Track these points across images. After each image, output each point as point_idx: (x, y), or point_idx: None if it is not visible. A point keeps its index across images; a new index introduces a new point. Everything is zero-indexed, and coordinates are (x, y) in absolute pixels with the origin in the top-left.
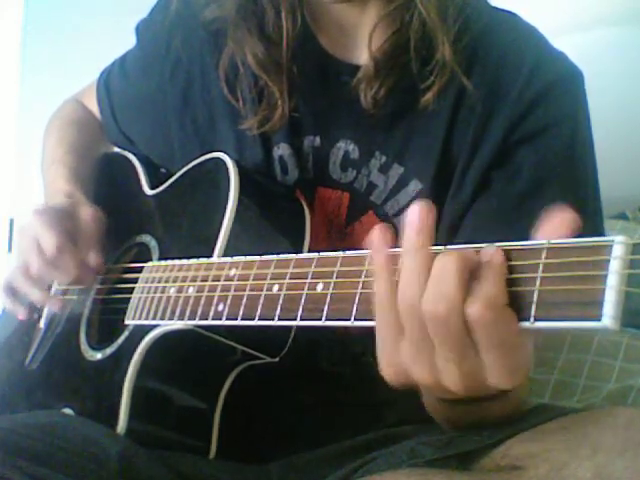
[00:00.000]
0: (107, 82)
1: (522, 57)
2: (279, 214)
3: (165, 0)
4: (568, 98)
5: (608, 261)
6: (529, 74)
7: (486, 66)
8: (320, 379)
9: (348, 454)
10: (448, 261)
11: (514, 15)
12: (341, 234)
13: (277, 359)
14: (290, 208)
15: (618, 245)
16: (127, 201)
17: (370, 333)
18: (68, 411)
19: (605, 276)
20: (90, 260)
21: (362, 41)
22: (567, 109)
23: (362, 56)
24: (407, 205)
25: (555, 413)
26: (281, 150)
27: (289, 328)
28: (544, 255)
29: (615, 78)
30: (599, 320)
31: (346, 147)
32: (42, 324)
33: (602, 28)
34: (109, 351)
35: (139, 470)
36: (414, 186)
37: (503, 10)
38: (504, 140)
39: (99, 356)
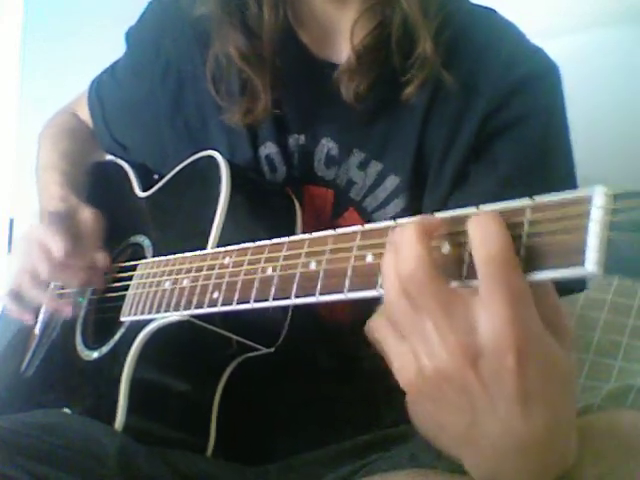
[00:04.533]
0: (98, 90)
1: (498, 51)
2: (271, 210)
3: (153, 6)
4: (543, 91)
5: (590, 211)
6: (504, 67)
7: (464, 60)
8: (317, 375)
9: (348, 455)
10: (406, 227)
11: (493, 11)
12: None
13: (272, 349)
14: (281, 204)
15: (599, 195)
16: (120, 204)
17: (363, 327)
18: (67, 412)
19: (587, 225)
20: (98, 260)
21: (343, 39)
22: (541, 101)
23: (342, 55)
24: (385, 201)
25: None
26: (268, 149)
27: (284, 316)
28: (528, 212)
29: (615, 78)
30: (583, 266)
31: (328, 145)
32: (37, 330)
33: (602, 28)
34: (105, 349)
35: (139, 467)
36: (392, 181)
37: (483, 7)
38: (479, 132)
39: (95, 355)
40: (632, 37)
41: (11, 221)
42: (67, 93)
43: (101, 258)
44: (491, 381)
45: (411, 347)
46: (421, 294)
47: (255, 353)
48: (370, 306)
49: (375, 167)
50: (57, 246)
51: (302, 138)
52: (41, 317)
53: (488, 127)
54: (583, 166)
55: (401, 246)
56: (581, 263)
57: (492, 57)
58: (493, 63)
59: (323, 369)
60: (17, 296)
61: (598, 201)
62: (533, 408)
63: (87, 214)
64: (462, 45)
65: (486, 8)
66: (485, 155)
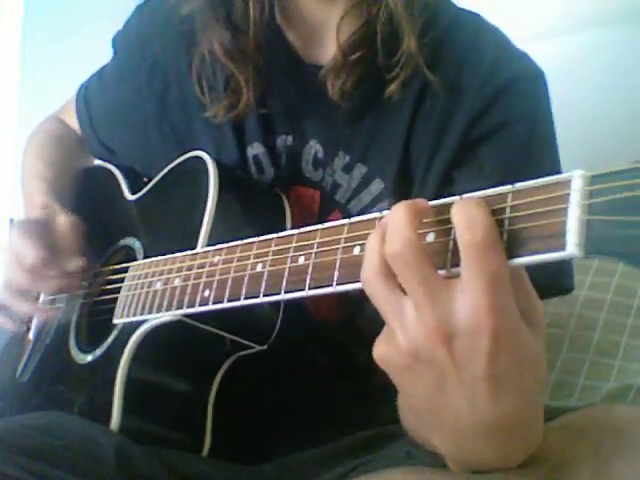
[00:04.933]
0: (86, 95)
1: (483, 55)
2: (260, 208)
3: (139, 10)
4: (526, 96)
5: (569, 194)
6: (488, 72)
7: (448, 63)
8: (311, 372)
9: (344, 454)
10: (397, 208)
11: (478, 15)
12: None
13: (265, 347)
14: (270, 202)
15: (577, 178)
16: (109, 208)
17: (349, 320)
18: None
19: (567, 208)
20: (72, 266)
21: (329, 39)
22: (524, 107)
23: (329, 55)
24: (370, 204)
25: (554, 413)
26: (255, 149)
27: (276, 314)
28: (510, 198)
29: (614, 78)
30: (564, 250)
31: (315, 146)
32: (31, 336)
33: (601, 28)
34: (99, 352)
35: (136, 467)
36: (377, 185)
37: (468, 11)
38: (464, 137)
39: (89, 358)
40: (631, 37)
41: (11, 221)
42: (67, 93)
43: (75, 264)
44: (463, 360)
45: (386, 324)
46: (405, 275)
47: (248, 351)
48: (358, 302)
49: (360, 170)
50: (28, 254)
51: (290, 139)
52: (35, 322)
53: (473, 132)
54: (582, 166)
55: (390, 226)
56: (562, 246)
57: (477, 60)
58: (478, 67)
59: (317, 366)
60: (5, 309)
61: (576, 184)
62: (500, 390)
63: (63, 221)
64: (447, 47)
65: (472, 12)
66: (470, 161)
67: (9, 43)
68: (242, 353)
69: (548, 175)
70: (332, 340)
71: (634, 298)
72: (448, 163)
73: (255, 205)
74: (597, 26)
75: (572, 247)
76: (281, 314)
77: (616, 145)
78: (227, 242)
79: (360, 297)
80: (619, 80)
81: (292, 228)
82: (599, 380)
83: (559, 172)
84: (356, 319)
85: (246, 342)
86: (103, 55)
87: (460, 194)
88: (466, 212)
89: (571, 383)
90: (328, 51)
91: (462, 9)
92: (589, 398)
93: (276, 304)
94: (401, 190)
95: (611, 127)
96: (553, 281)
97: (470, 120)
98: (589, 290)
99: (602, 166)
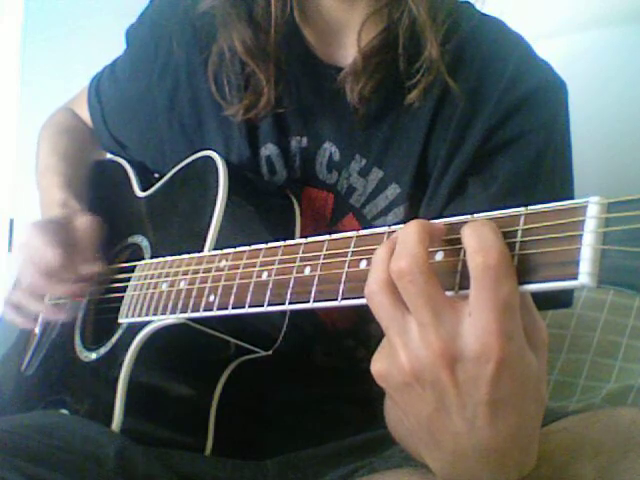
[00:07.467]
0: (98, 88)
1: (505, 64)
2: (269, 210)
3: (153, 4)
4: (546, 107)
5: (584, 221)
6: (510, 81)
7: (470, 71)
8: (315, 375)
9: (346, 453)
10: (409, 225)
11: (501, 22)
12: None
13: (270, 352)
14: (280, 204)
15: (593, 205)
16: (119, 204)
17: (360, 326)
18: (65, 412)
19: (581, 236)
20: (87, 272)
21: (348, 41)
22: (544, 118)
23: (346, 58)
24: (385, 209)
25: (556, 415)
26: (268, 150)
27: (281, 320)
28: (522, 221)
29: (617, 78)
30: (576, 279)
31: (330, 149)
32: (37, 330)
33: (604, 28)
34: (103, 351)
35: (137, 468)
36: (393, 190)
37: (492, 17)
38: (481, 146)
39: (94, 356)
40: (634, 37)
41: (11, 221)
42: (67, 93)
43: (95, 268)
44: (465, 385)
45: (387, 339)
46: (410, 293)
47: (253, 355)
48: (367, 309)
49: (376, 174)
50: (49, 258)
51: (304, 141)
52: (41, 317)
53: (491, 140)
54: (584, 166)
55: (399, 241)
56: (574, 275)
57: (499, 69)
58: (499, 76)
59: (322, 368)
60: (17, 308)
61: (593, 211)
62: (500, 414)
63: (83, 222)
64: (469, 54)
65: (495, 18)
66: (485, 168)
67: (9, 43)
68: (246, 357)
69: (557, 188)
70: (339, 344)
71: (634, 299)
72: (463, 170)
73: (265, 207)
74: (603, 25)
75: (585, 276)
76: (287, 321)
77: (619, 145)
78: (235, 244)
79: None
80: (624, 80)
81: (303, 231)
82: (600, 381)
83: (570, 185)
84: (368, 325)
85: (251, 347)
86: (103, 55)
87: (470, 211)
88: (479, 235)
89: (571, 384)
90: (347, 53)
91: (486, 15)
92: (589, 399)
93: (283, 311)
94: (417, 196)
95: (614, 127)
96: (552, 295)
97: (489, 128)
98: (589, 291)
99: (604, 166)
